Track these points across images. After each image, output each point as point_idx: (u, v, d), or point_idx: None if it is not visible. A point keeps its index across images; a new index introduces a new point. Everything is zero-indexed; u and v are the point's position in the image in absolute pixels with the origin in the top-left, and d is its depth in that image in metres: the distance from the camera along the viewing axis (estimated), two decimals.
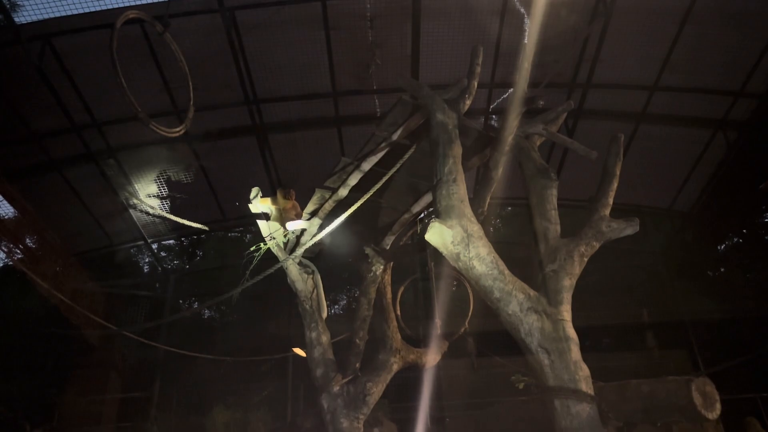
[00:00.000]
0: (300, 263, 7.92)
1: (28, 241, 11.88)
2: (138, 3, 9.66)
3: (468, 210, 5.84)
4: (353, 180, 7.34)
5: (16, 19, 9.20)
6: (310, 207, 7.81)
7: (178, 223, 12.57)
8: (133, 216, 12.74)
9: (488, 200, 6.69)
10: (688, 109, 11.20)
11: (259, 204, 7.84)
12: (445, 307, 9.08)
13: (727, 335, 11.75)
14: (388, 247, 8.36)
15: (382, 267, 8.28)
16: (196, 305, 15.84)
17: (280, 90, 10.99)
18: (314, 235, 7.43)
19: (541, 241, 6.13)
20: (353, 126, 11.71)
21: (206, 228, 10.59)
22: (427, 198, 7.89)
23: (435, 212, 6.04)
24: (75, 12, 9.34)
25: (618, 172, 6.47)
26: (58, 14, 9.34)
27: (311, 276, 7.93)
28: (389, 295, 8.64)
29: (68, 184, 11.60)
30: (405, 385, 10.15)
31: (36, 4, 9.15)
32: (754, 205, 12.79)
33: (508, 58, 10.43)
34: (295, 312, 8.71)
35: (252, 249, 7.62)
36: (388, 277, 8.73)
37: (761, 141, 10.92)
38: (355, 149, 8.76)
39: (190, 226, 10.05)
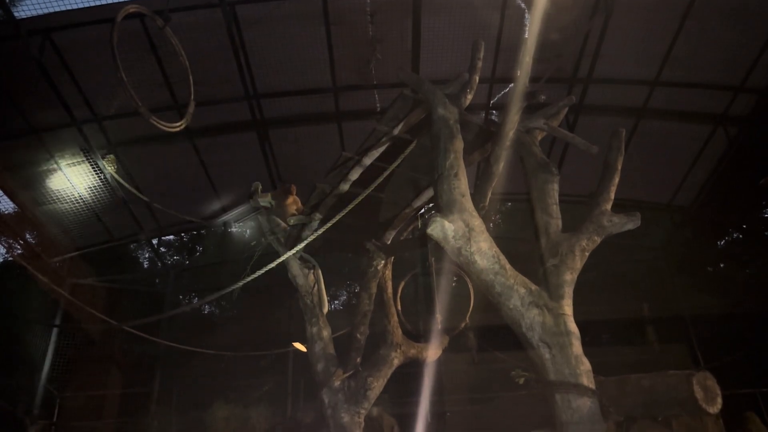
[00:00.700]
0: (301, 258, 7.93)
1: (27, 235, 11.88)
2: None
3: (469, 204, 5.84)
4: (354, 175, 7.35)
5: (16, 14, 9.17)
6: (311, 202, 7.81)
7: (178, 218, 12.60)
8: (133, 211, 12.72)
9: (489, 195, 6.68)
10: (688, 104, 11.19)
11: (260, 199, 7.85)
12: (446, 302, 9.07)
13: (726, 330, 11.77)
14: (389, 242, 8.37)
15: (383, 262, 8.29)
16: (196, 300, 15.85)
17: (280, 85, 10.98)
18: (315, 231, 7.43)
19: (542, 235, 6.13)
20: (354, 121, 11.70)
21: (206, 223, 10.60)
22: (428, 193, 7.89)
23: (436, 207, 6.04)
24: (75, 6, 9.31)
25: (619, 167, 6.47)
26: (58, 9, 9.31)
27: (312, 271, 7.94)
28: (390, 290, 8.65)
29: (67, 178, 11.58)
30: (405, 380, 10.16)
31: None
32: (754, 200, 12.79)
33: (509, 53, 10.41)
34: (296, 307, 8.72)
35: (253, 244, 7.62)
36: (388, 272, 8.73)
37: (761, 136, 10.92)
38: (355, 144, 8.75)
39: (190, 221, 10.06)
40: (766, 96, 10.46)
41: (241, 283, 6.33)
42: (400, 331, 8.19)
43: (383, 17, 10.04)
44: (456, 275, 10.08)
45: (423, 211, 8.75)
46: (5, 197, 11.46)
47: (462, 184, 5.93)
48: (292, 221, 7.64)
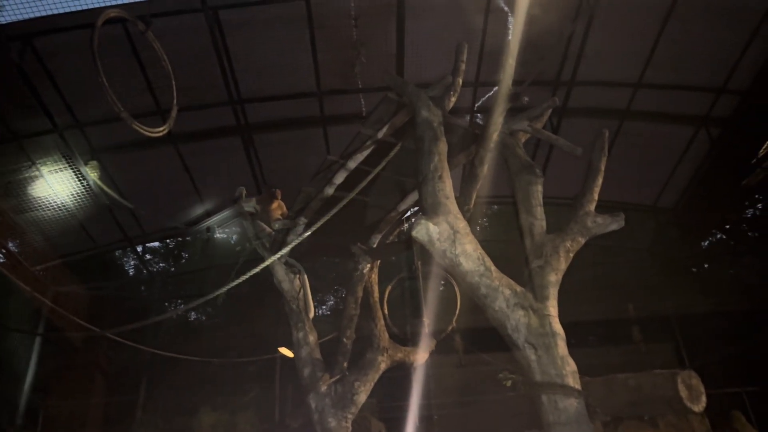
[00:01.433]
0: (286, 263, 7.88)
1: (9, 243, 11.72)
2: (120, 2, 9.55)
3: (454, 207, 5.84)
4: (339, 179, 7.32)
5: None
6: (296, 206, 7.77)
7: (163, 224, 12.50)
8: (117, 218, 12.60)
9: (474, 197, 6.68)
10: (671, 105, 11.29)
11: (245, 204, 7.80)
12: (433, 305, 9.07)
13: (712, 329, 11.85)
14: (375, 246, 8.35)
15: (368, 266, 8.26)
16: (182, 307, 15.72)
17: (264, 89, 10.94)
18: (300, 235, 7.39)
19: (527, 236, 6.13)
20: (339, 125, 11.68)
21: (191, 229, 10.52)
22: (414, 196, 7.88)
23: (421, 209, 6.03)
24: (55, 12, 9.22)
25: (603, 168, 6.49)
26: (38, 14, 9.23)
27: (298, 276, 7.89)
28: (376, 294, 8.62)
29: (50, 185, 11.45)
30: (393, 384, 10.14)
31: (16, 4, 9.04)
32: (738, 200, 12.90)
33: (492, 56, 10.43)
34: (282, 312, 8.67)
35: (238, 249, 7.58)
36: (375, 276, 8.70)
37: (744, 137, 11.03)
38: (341, 148, 8.73)
39: (176, 227, 9.98)
40: (747, 97, 10.58)
41: (224, 289, 6.27)
42: (386, 335, 8.16)
43: (367, 20, 10.04)
44: (443, 278, 10.09)
45: (409, 214, 8.74)
46: None
47: (446, 187, 5.92)
48: (276, 226, 7.59)
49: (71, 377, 12.93)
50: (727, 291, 12.17)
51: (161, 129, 7.12)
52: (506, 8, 9.64)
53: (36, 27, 9.29)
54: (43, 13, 9.24)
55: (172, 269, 17.06)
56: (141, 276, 16.35)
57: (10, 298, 11.99)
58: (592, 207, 6.24)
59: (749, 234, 13.66)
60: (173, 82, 7.44)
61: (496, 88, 9.71)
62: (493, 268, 5.44)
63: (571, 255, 5.97)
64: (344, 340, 7.70)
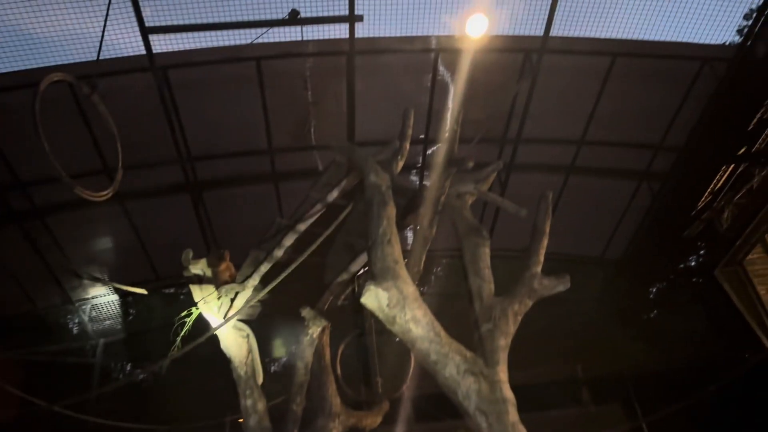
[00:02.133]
0: (234, 327, 7.68)
1: None
2: (68, 62, 9.42)
3: (403, 272, 5.83)
4: (288, 241, 7.26)
5: None
6: (245, 269, 7.64)
7: (109, 284, 12.09)
8: (61, 278, 12.14)
9: (423, 259, 6.72)
10: (614, 161, 11.70)
11: (192, 267, 7.62)
12: (388, 365, 8.95)
13: (664, 382, 11.99)
14: (326, 308, 8.23)
15: (319, 329, 8.12)
16: (128, 369, 15.08)
17: (215, 148, 10.88)
18: (249, 299, 7.24)
19: (476, 299, 6.15)
20: (292, 181, 11.65)
21: (142, 291, 10.20)
22: (365, 257, 7.86)
23: (371, 275, 6.00)
24: None
25: (547, 230, 6.62)
26: None
27: (246, 339, 7.69)
28: (328, 356, 8.45)
29: None
30: None
31: None
32: (681, 251, 13.33)
33: (442, 114, 10.69)
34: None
35: (183, 314, 7.37)
36: (326, 338, 8.55)
37: (682, 191, 11.48)
38: (293, 205, 8.68)
39: (121, 288, 9.63)
40: (683, 153, 11.05)
41: (169, 359, 6.05)
42: (338, 400, 7.96)
43: (318, 80, 10.19)
44: (397, 336, 9.98)
45: (360, 274, 8.69)
46: None
47: (395, 251, 5.93)
48: (224, 290, 7.42)
49: None
50: (675, 342, 12.42)
51: (105, 193, 6.98)
52: (447, 75, 9.91)
53: None
54: None
55: (119, 329, 16.40)
56: (85, 337, 15.67)
57: None
58: (538, 269, 6.33)
59: (693, 281, 14.04)
60: (118, 144, 7.33)
61: (441, 147, 9.93)
62: (443, 333, 5.42)
63: (519, 318, 6.01)
64: (293, 407, 7.48)
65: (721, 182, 11.26)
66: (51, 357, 13.48)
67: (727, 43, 9.96)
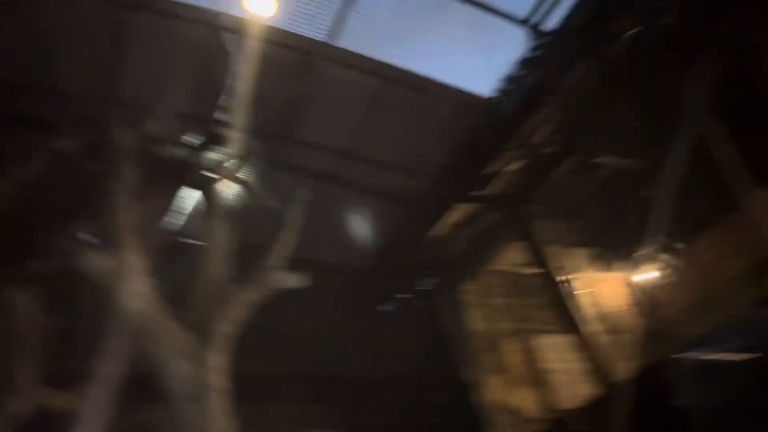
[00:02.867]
0: None
1: None
2: None
3: (134, 241, 5.45)
4: None
5: None
6: None
7: None
8: None
9: (162, 232, 6.36)
10: (370, 178, 12.39)
11: None
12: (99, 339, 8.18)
13: (382, 394, 12.84)
14: (35, 271, 7.29)
15: (27, 294, 7.15)
16: None
17: None
18: None
19: (208, 282, 6.01)
20: None
21: None
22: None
23: (96, 240, 5.51)
24: None
25: (295, 225, 6.76)
26: None
27: None
28: (33, 327, 7.47)
29: None
30: None
31: None
32: (415, 273, 14.53)
33: (212, 94, 10.30)
34: None
35: None
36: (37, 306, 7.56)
37: (422, 218, 12.61)
38: None
39: None
40: (430, 184, 12.11)
41: None
42: (34, 376, 7.07)
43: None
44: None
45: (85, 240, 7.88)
46: None
47: (128, 219, 5.52)
48: None
49: None
50: (398, 355, 13.46)
51: None
52: (231, 50, 9.63)
53: None
54: None
55: None
56: None
57: None
58: (278, 262, 6.42)
59: (424, 302, 15.29)
60: None
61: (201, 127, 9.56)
62: (161, 312, 5.17)
63: (250, 307, 6.00)
64: None
65: (455, 217, 12.59)
66: None
67: (484, 95, 11.14)
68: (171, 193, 5.63)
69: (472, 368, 12.94)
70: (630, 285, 11.02)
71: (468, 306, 13.68)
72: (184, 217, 7.34)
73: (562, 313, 11.09)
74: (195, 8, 9.34)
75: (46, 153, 6.56)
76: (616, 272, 11.87)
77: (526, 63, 9.92)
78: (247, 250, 10.66)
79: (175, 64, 9.75)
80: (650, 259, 9.51)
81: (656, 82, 8.72)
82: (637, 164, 10.03)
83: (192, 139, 10.23)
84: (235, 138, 7.03)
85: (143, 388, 5.28)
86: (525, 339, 12.64)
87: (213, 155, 6.50)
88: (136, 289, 5.01)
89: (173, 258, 6.51)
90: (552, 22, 9.52)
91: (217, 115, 5.96)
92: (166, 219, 5.92)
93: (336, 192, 12.40)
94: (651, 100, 9.11)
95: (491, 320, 13.29)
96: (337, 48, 10.02)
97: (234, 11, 9.51)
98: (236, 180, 6.71)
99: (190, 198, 7.00)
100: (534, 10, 9.43)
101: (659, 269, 9.07)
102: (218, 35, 9.55)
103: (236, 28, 9.28)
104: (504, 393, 12.43)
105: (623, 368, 9.14)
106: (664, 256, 9.27)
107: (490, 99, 10.77)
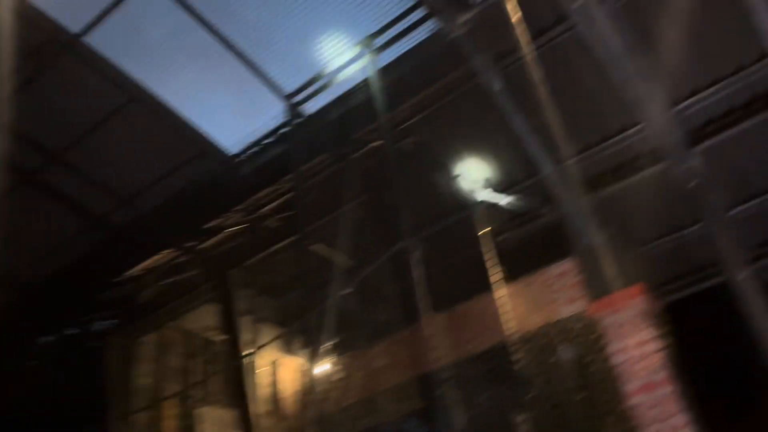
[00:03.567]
0: None
1: None
2: None
3: None
4: None
5: None
6: None
7: None
8: None
9: None
10: (73, 190, 11.04)
11: None
12: None
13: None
14: None
15: None
16: None
17: None
18: None
19: None
20: None
21: None
22: None
23: None
24: None
25: None
26: None
27: None
28: None
29: None
30: None
31: None
32: (90, 310, 12.97)
33: None
34: None
35: None
36: None
37: (115, 254, 11.47)
38: None
39: None
40: (135, 211, 11.21)
41: None
42: None
43: None
44: None
45: None
46: None
47: None
48: None
49: None
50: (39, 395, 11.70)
51: None
52: None
53: None
54: None
55: None
56: None
57: None
58: None
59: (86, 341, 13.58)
60: None
61: None
62: None
63: None
64: None
65: (158, 261, 11.73)
66: None
67: (228, 151, 10.88)
68: None
69: (122, 424, 11.77)
70: (305, 374, 11.27)
71: (140, 358, 12.61)
72: None
73: (236, 387, 10.84)
74: None
75: None
76: (297, 358, 12.15)
77: (275, 135, 10.06)
78: None
79: None
80: (329, 353, 9.96)
81: (384, 192, 9.47)
82: (345, 260, 10.64)
83: None
84: None
85: None
86: (190, 406, 11.95)
87: None
88: None
89: None
90: (313, 107, 9.89)
91: None
92: None
93: (30, 193, 10.71)
94: (374, 207, 9.87)
95: (161, 379, 12.37)
96: (93, 50, 9.07)
97: None
98: None
99: None
100: (299, 90, 9.72)
101: (334, 364, 9.44)
102: None
103: None
104: None
105: None
106: (343, 354, 9.77)
107: (231, 156, 10.60)
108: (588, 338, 8.04)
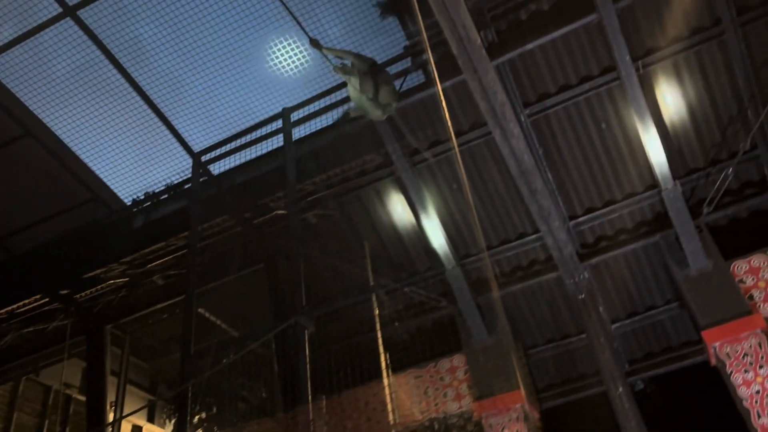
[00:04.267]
0: None
1: None
2: None
3: None
4: None
5: None
6: None
7: None
8: None
9: None
10: None
11: None
12: None
13: None
14: None
15: None
16: None
17: None
18: None
19: None
20: None
21: None
22: None
23: None
24: None
25: None
26: None
27: None
28: None
29: None
30: None
31: None
32: None
33: None
34: None
35: None
36: None
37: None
38: None
39: None
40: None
41: None
42: None
43: None
44: None
45: None
46: None
47: None
48: None
49: None
50: None
51: None
52: None
53: None
54: None
55: None
56: None
57: None
58: None
59: None
60: None
61: None
62: None
63: None
64: None
65: (23, 306, 10.62)
66: None
67: (123, 198, 10.29)
68: None
69: None
70: None
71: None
72: None
73: None
74: None
75: None
76: (163, 428, 11.20)
77: (176, 190, 9.59)
78: None
79: None
80: (199, 427, 9.18)
81: (282, 263, 9.13)
82: (231, 330, 10.08)
83: None
84: None
85: None
86: None
87: None
88: None
89: None
90: (221, 168, 9.57)
91: None
92: None
93: None
94: (269, 277, 9.46)
95: None
96: None
97: None
98: None
99: None
100: (210, 149, 9.40)
101: None
102: None
103: None
104: None
105: None
106: (212, 430, 9.06)
107: (126, 205, 10.00)
108: None
